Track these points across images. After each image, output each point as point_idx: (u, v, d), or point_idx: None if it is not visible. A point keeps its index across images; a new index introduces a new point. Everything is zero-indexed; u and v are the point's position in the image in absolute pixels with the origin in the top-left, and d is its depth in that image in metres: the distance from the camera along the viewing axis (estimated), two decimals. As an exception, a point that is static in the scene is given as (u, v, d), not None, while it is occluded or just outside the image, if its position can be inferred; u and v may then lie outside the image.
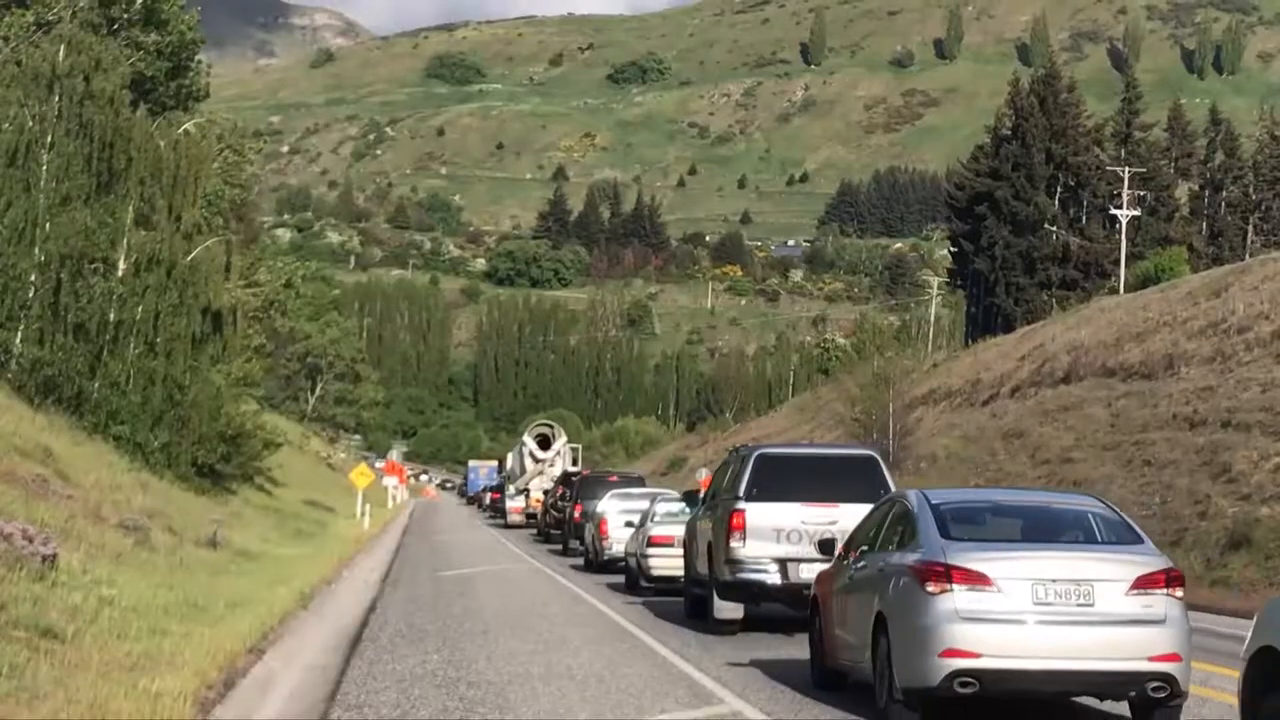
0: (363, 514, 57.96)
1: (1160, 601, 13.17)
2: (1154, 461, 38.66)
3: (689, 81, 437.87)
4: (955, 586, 13.18)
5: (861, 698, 14.66)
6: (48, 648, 13.26)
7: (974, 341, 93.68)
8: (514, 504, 73.35)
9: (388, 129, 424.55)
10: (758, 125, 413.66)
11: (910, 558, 13.81)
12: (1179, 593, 13.38)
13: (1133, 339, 54.20)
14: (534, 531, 63.46)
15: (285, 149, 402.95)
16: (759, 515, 21.42)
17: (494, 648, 18.65)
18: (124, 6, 50.22)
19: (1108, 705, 14.55)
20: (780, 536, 21.23)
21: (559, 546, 49.58)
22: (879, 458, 23.13)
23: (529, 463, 73.17)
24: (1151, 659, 12.67)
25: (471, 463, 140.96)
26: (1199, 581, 29.65)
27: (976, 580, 13.19)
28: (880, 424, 59.32)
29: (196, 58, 55.61)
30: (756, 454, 22.74)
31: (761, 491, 21.68)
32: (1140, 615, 13.21)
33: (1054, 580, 13.20)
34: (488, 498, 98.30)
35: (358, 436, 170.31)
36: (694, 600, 24.04)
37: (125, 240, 40.18)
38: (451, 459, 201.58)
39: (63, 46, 39.77)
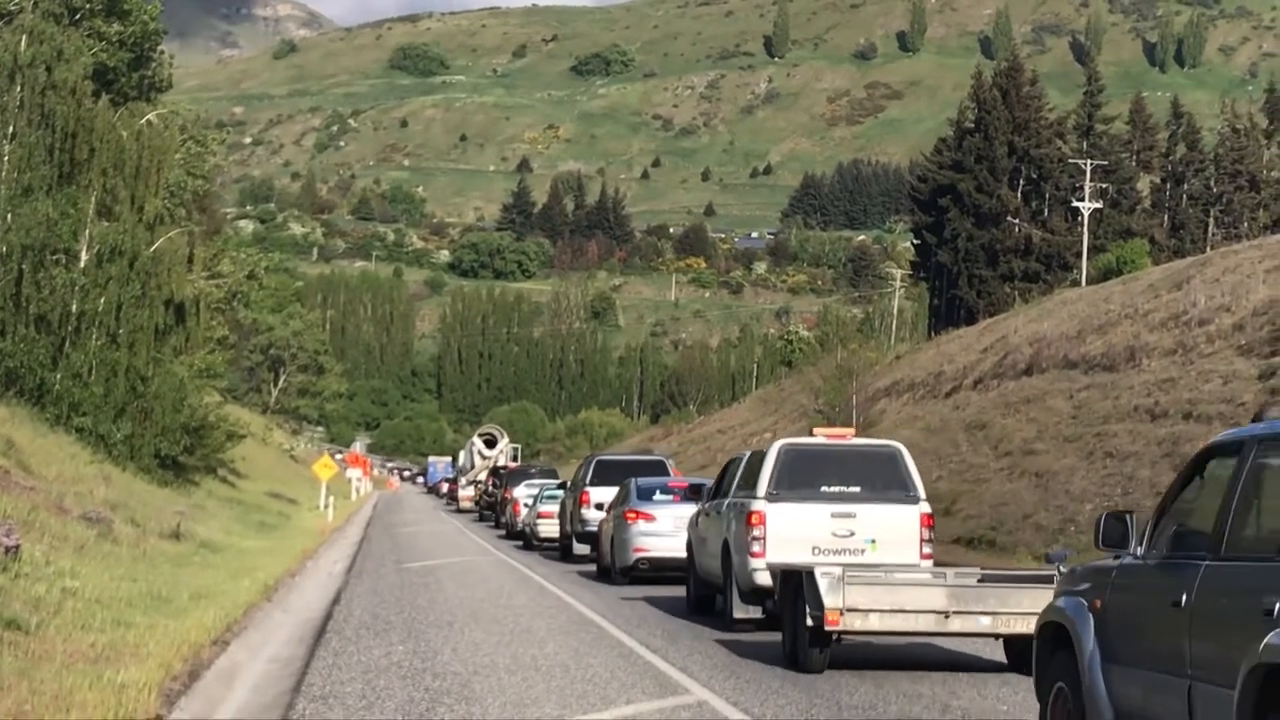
0: (326, 506, 57.80)
1: None
2: (1116, 453, 38.71)
3: (653, 74, 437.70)
4: (640, 520, 29.17)
5: (823, 689, 14.75)
6: (11, 639, 13.23)
7: (937, 333, 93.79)
8: (465, 493, 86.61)
9: (351, 120, 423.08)
10: (721, 117, 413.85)
11: (624, 508, 29.76)
12: None
13: (1094, 331, 54.32)
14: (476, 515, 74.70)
15: (248, 140, 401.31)
16: (597, 494, 35.14)
17: (459, 639, 18.63)
18: (85, -3, 49.97)
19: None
20: (607, 507, 33.01)
21: (492, 522, 62.70)
22: (667, 461, 39.91)
23: (478, 459, 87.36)
24: None
25: (431, 458, 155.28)
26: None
27: (648, 517, 29.19)
28: (843, 416, 59.39)
29: (159, 48, 55.44)
30: (596, 459, 39.03)
31: (599, 480, 35.85)
32: None
33: (682, 517, 26.55)
34: (445, 487, 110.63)
35: (321, 428, 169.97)
36: (564, 549, 38.68)
37: (87, 231, 40.06)
38: (415, 451, 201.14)
39: (24, 37, 39.65)
